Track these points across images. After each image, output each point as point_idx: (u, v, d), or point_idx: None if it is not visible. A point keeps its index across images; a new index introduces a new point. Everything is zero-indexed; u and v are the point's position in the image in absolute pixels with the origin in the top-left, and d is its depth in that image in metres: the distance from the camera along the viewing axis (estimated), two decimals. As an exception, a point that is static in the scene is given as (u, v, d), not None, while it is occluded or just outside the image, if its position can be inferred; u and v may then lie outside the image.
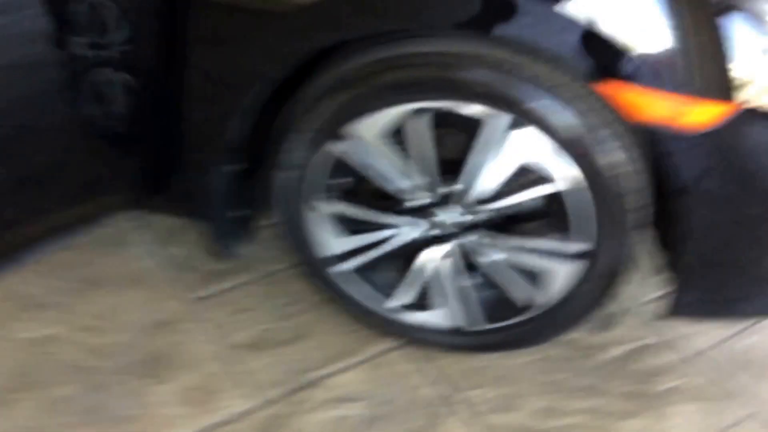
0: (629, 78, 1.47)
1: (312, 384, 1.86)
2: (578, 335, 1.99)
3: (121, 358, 1.89)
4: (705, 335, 2.00)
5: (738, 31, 1.44)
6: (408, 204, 1.74)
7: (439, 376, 1.89)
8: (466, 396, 1.85)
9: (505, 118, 1.56)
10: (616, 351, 1.96)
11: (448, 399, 1.84)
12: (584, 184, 1.59)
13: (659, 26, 1.44)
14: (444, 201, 1.71)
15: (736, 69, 1.45)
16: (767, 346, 1.99)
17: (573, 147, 1.56)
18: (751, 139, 1.50)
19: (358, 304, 1.90)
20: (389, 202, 1.75)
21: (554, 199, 1.64)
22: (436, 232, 1.76)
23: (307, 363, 1.90)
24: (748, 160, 1.52)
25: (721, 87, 1.46)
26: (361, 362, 1.91)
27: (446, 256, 1.78)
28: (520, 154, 1.59)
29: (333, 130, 1.66)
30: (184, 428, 1.76)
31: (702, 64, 1.45)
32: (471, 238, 1.75)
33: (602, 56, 1.47)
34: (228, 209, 1.86)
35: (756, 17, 1.46)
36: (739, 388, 1.90)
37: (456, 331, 1.87)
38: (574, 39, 1.47)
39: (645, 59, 1.46)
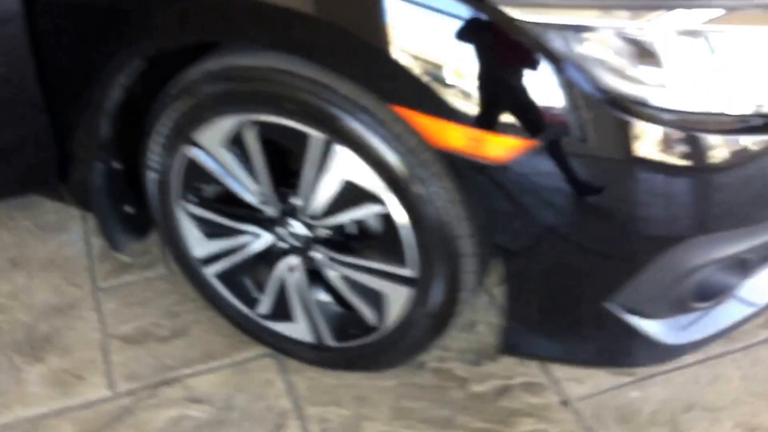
0: (427, 105, 1.44)
1: (171, 381, 1.92)
2: (454, 365, 1.94)
3: (15, 335, 2.02)
4: (586, 383, 1.91)
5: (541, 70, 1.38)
6: (259, 214, 1.76)
7: (297, 388, 1.90)
8: (317, 411, 1.85)
9: (324, 134, 1.56)
10: (486, 386, 1.90)
11: (298, 413, 1.85)
12: (401, 207, 1.57)
13: (454, 57, 1.40)
14: (290, 214, 1.73)
15: (535, 105, 1.39)
16: (648, 404, 1.87)
17: (385, 170, 1.54)
18: (544, 176, 1.44)
19: (232, 308, 1.94)
20: (245, 210, 1.78)
21: (384, 220, 1.63)
22: (284, 244, 1.78)
23: (174, 361, 1.96)
24: (539, 196, 1.45)
25: (518, 122, 1.40)
26: (225, 366, 1.95)
27: (293, 269, 1.79)
28: (343, 171, 1.59)
29: (184, 135, 1.71)
30: (39, 407, 1.86)
31: (497, 98, 1.40)
32: (315, 254, 1.75)
33: (400, 81, 1.45)
34: (114, 205, 1.94)
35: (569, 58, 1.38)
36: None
37: (314, 346, 1.87)
38: (372, 62, 1.45)
39: (442, 88, 1.42)
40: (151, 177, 1.82)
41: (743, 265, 1.63)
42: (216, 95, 1.62)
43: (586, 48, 1.37)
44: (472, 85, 1.40)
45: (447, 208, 1.54)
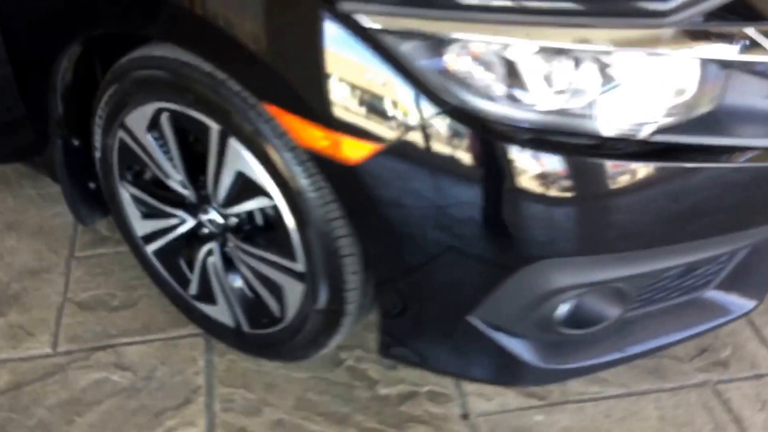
0: (293, 105, 1.50)
1: (106, 348, 2.05)
2: (370, 366, 1.98)
3: (-12, 291, 2.22)
4: (494, 400, 1.90)
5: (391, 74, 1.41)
6: (182, 198, 1.86)
7: (215, 368, 1.99)
8: (226, 392, 1.93)
9: (215, 127, 1.65)
10: (393, 390, 1.92)
11: (209, 391, 1.94)
12: (285, 203, 1.63)
13: (312, 59, 1.45)
14: (206, 201, 1.82)
15: (381, 111, 1.42)
16: (548, 430, 1.84)
17: (270, 165, 1.60)
18: (392, 180, 1.46)
19: (169, 287, 2.05)
20: (171, 194, 1.89)
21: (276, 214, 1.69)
22: (205, 229, 1.87)
23: (116, 330, 2.09)
24: (390, 200, 1.48)
25: (366, 126, 1.44)
26: (159, 340, 2.06)
27: (211, 253, 1.88)
28: (237, 163, 1.67)
29: (116, 119, 1.84)
30: (-14, 355, 2.04)
31: (350, 101, 1.44)
32: (228, 241, 1.84)
33: (270, 81, 1.51)
34: (77, 180, 2.10)
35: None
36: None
37: (233, 330, 1.96)
38: (247, 60, 1.53)
39: (303, 89, 1.48)
40: (97, 156, 1.96)
41: (620, 297, 1.58)
42: (137, 82, 1.74)
43: (439, 60, 1.39)
44: (328, 87, 1.44)
45: (323, 207, 1.59)
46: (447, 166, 1.42)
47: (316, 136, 1.49)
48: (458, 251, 1.50)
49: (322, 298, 1.71)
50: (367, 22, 1.39)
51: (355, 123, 1.45)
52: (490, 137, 1.39)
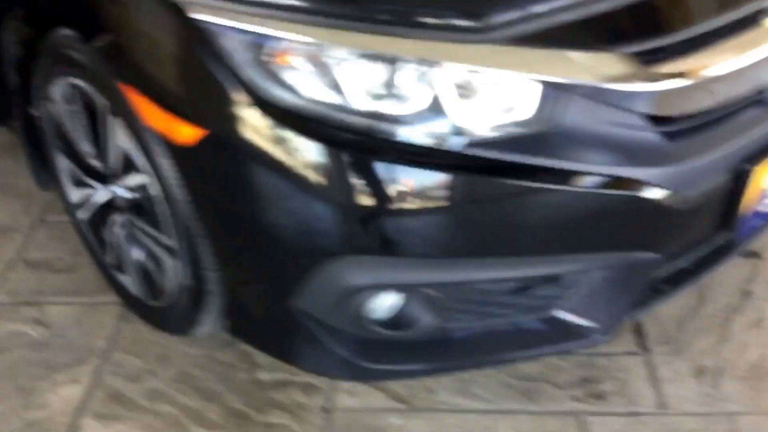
0: (138, 85, 1.61)
1: (34, 304, 2.22)
2: (260, 351, 2.05)
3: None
4: (359, 398, 1.93)
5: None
6: (96, 170, 2.01)
7: (120, 336, 2.12)
8: (119, 358, 2.06)
9: (103, 103, 1.78)
10: (271, 376, 1.99)
11: (105, 355, 2.07)
12: (153, 179, 1.74)
13: (150, 41, 1.56)
14: (113, 174, 1.96)
15: (202, 98, 1.51)
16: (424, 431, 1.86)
17: (142, 142, 1.72)
18: (215, 165, 1.54)
19: (96, 254, 2.20)
20: (90, 164, 2.04)
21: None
22: (114, 200, 2.01)
23: (50, 289, 2.26)
24: (217, 183, 1.56)
25: (194, 111, 1.53)
26: (82, 304, 2.21)
27: (116, 224, 2.01)
28: (118, 139, 1.80)
29: (44, 90, 2.00)
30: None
31: (178, 86, 1.54)
32: (128, 213, 1.97)
33: (123, 60, 1.63)
34: (37, 147, 2.28)
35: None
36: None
37: (137, 300, 2.08)
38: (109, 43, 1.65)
39: (146, 70, 1.58)
40: (39, 126, 2.14)
41: (432, 304, 1.60)
42: (55, 58, 1.90)
43: (256, 56, 1.46)
44: (161, 71, 1.55)
45: (180, 188, 1.69)
46: (257, 157, 1.49)
47: (156, 117, 1.59)
48: (270, 239, 1.56)
49: (186, 275, 1.81)
50: (194, 13, 1.48)
51: (182, 108, 1.54)
52: (297, 133, 1.45)
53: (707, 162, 1.63)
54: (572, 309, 1.70)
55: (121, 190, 1.93)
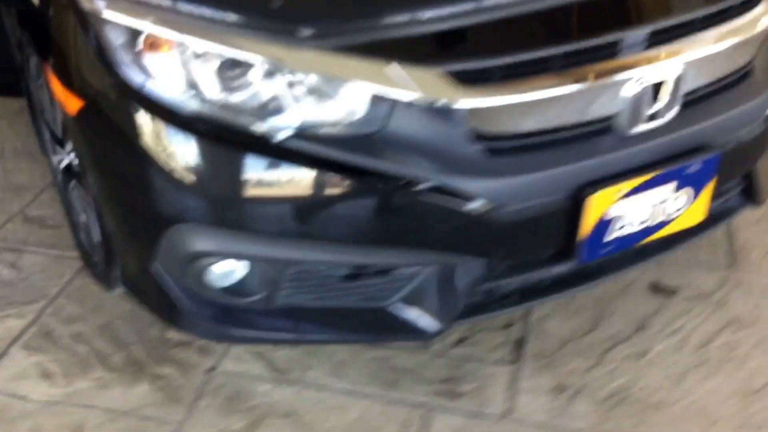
0: (50, 60, 1.91)
1: (15, 250, 2.58)
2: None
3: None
4: (244, 364, 2.15)
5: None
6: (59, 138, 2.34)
7: (71, 284, 2.43)
8: (63, 302, 2.37)
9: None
10: (177, 336, 2.23)
11: (52, 298, 2.38)
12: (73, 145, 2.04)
13: (56, 20, 1.86)
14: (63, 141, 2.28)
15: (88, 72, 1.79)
16: (261, 399, 2.06)
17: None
18: (93, 134, 1.81)
19: (69, 213, 2.53)
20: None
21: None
22: (72, 167, 2.33)
23: (34, 240, 2.61)
24: (94, 151, 1.82)
25: (78, 83, 1.81)
26: (53, 256, 2.55)
27: (72, 187, 2.33)
28: (57, 111, 2.11)
29: (28, 62, 2.35)
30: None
31: (70, 62, 1.83)
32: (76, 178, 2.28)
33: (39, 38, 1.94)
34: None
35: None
36: (207, 416, 2.04)
37: (88, 256, 2.38)
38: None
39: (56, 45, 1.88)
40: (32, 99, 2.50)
41: (265, 277, 1.79)
42: (30, 32, 2.22)
43: (129, 44, 1.72)
44: (62, 50, 1.84)
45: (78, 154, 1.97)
46: (121, 131, 1.75)
47: (58, 90, 1.89)
48: (131, 205, 1.82)
49: (97, 233, 2.09)
50: (86, 6, 1.76)
51: (68, 80, 1.82)
52: (149, 114, 1.70)
53: (535, 181, 1.74)
54: (406, 304, 1.85)
55: (68, 157, 2.24)
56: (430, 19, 1.66)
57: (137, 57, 1.70)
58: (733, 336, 2.20)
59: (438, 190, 1.70)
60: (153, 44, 1.69)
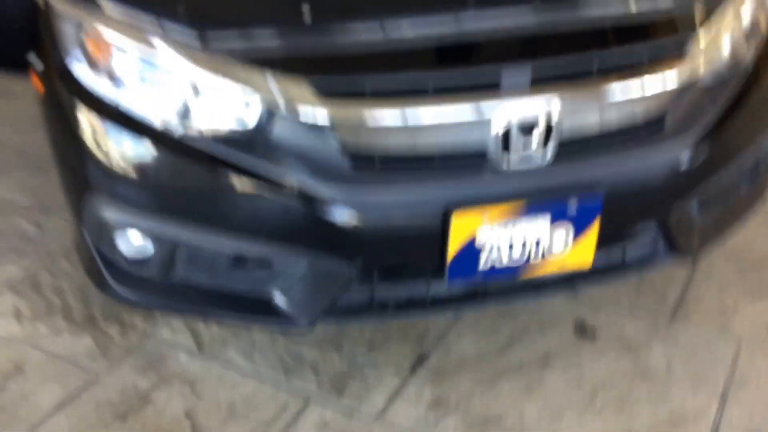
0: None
1: (44, 212, 2.97)
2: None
3: None
4: (179, 334, 2.40)
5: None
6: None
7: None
8: (57, 260, 2.72)
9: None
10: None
11: (51, 255, 2.74)
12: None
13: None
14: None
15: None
16: (176, 368, 2.30)
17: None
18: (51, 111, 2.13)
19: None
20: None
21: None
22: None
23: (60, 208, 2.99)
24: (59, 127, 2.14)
25: (37, 66, 2.14)
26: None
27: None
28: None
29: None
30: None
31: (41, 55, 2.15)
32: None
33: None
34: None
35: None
36: (124, 373, 2.32)
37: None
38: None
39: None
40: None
41: (166, 254, 2.02)
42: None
43: (76, 35, 2.02)
44: (36, 35, 2.17)
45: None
46: (61, 109, 2.05)
47: (34, 76, 2.22)
48: (65, 178, 2.12)
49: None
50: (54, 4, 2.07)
51: (34, 64, 2.15)
52: (73, 96, 1.99)
53: (399, 196, 1.88)
54: (280, 295, 2.03)
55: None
56: (307, 34, 1.85)
57: (72, 45, 1.99)
58: (629, 386, 2.21)
59: (307, 194, 1.88)
60: (87, 36, 1.98)
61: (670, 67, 1.98)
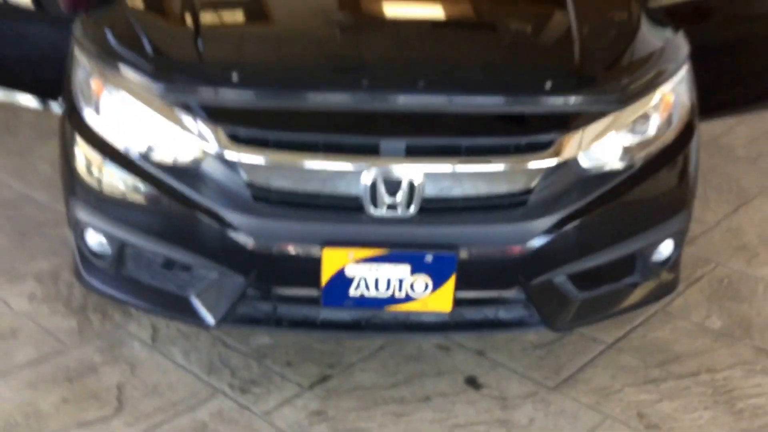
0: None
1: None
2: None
3: None
4: (147, 327, 2.92)
5: None
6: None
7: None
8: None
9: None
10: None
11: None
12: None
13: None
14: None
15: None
16: (129, 356, 2.81)
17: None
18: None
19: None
20: None
21: None
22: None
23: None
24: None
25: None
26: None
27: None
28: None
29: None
30: None
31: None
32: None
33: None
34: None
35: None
36: (86, 350, 2.85)
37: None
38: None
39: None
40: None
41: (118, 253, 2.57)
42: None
43: (84, 79, 2.65)
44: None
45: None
46: (63, 130, 2.67)
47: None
48: (63, 184, 2.71)
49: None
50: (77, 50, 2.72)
51: (60, 105, 2.80)
52: (72, 121, 2.61)
53: (284, 227, 2.34)
54: (196, 297, 2.51)
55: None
56: (229, 93, 2.38)
57: (80, 84, 2.61)
58: (487, 430, 2.51)
59: (219, 217, 2.37)
60: (91, 78, 2.59)
61: (535, 156, 2.36)
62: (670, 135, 2.59)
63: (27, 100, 3.68)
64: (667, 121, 2.59)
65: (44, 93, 3.55)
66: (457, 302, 2.42)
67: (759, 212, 3.93)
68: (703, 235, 3.67)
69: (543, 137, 2.39)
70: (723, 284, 3.31)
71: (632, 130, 2.51)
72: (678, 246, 2.68)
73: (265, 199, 2.37)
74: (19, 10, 3.53)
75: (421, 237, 2.36)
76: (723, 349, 2.91)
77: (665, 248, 2.65)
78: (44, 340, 2.85)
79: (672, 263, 2.71)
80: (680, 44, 2.76)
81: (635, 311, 2.81)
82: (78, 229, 2.64)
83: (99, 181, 2.53)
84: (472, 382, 2.72)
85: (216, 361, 2.77)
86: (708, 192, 4.06)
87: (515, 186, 2.38)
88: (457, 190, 2.37)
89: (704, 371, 2.80)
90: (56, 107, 3.46)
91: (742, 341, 2.96)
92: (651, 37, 2.79)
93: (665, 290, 2.77)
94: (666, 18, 2.95)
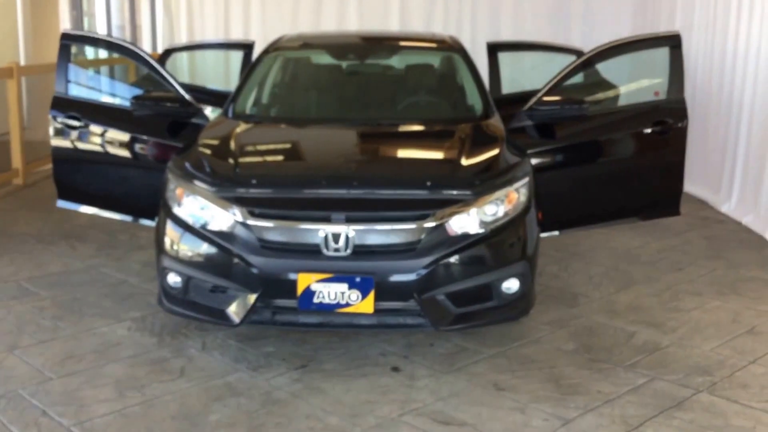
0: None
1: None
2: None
3: None
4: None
5: None
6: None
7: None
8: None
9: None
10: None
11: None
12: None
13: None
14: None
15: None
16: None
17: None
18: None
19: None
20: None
21: None
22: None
23: None
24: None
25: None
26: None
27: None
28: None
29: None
30: None
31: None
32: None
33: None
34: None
35: None
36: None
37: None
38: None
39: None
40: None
41: (186, 283, 4.38)
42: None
43: (172, 187, 4.57)
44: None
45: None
46: (158, 220, 4.57)
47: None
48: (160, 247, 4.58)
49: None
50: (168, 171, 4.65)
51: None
52: (164, 212, 4.51)
53: (277, 263, 4.13)
54: (228, 307, 4.28)
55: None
56: (247, 189, 4.26)
57: (170, 192, 4.52)
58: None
59: (243, 258, 4.18)
60: (177, 188, 4.50)
61: (422, 222, 4.14)
62: (511, 215, 4.34)
63: (122, 217, 5.69)
64: (512, 207, 4.35)
65: (138, 213, 5.53)
66: (378, 310, 4.14)
67: (634, 293, 5.54)
68: (586, 304, 5.30)
69: (428, 211, 4.18)
70: (585, 327, 4.91)
71: (485, 211, 4.28)
72: (523, 284, 4.36)
73: (267, 247, 4.18)
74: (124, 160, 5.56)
75: (353, 267, 4.12)
76: (566, 358, 4.51)
77: (513, 284, 4.33)
78: (137, 348, 4.62)
79: (520, 295, 4.37)
80: (526, 163, 4.58)
81: (501, 326, 4.44)
82: (163, 273, 4.47)
83: (177, 243, 4.38)
84: (395, 369, 4.36)
85: (239, 356, 4.48)
86: (603, 281, 5.70)
87: (410, 238, 4.16)
88: (375, 240, 4.15)
89: (547, 368, 4.39)
90: (146, 221, 5.39)
91: (583, 356, 4.55)
92: (508, 158, 4.61)
93: (519, 313, 4.44)
94: (518, 148, 4.82)
